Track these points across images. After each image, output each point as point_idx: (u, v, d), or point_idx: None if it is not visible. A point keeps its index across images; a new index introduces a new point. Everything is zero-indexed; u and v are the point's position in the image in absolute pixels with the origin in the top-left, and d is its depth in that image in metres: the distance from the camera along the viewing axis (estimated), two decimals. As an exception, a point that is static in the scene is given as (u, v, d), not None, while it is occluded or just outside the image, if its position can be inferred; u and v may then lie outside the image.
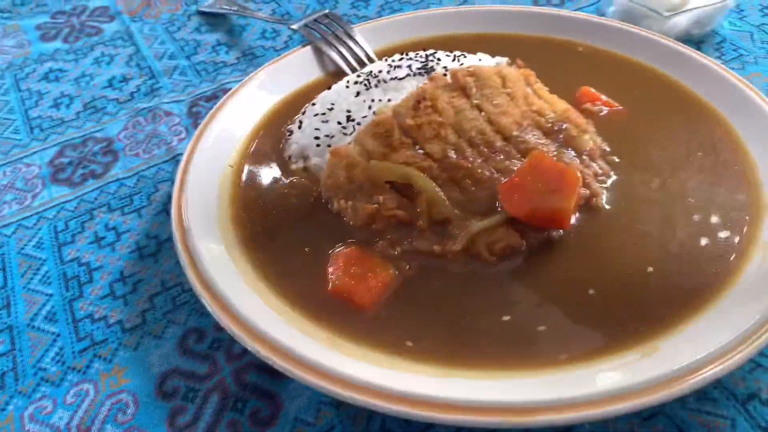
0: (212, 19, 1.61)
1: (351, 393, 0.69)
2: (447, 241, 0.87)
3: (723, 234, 0.86)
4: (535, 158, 0.87)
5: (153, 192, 1.12)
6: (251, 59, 1.45)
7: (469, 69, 1.03)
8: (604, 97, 1.10)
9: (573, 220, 0.88)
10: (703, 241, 0.86)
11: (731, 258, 0.83)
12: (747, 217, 0.88)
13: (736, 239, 0.85)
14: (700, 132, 1.03)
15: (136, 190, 1.13)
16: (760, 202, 0.89)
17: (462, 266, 0.85)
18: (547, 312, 0.79)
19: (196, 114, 1.28)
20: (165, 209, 1.08)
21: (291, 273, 0.87)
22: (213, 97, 1.32)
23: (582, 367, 0.73)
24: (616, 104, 1.09)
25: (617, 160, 0.99)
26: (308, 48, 1.26)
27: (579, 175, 0.85)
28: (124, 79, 1.42)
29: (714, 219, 0.88)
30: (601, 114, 1.08)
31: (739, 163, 0.96)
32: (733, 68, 1.17)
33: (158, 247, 1.02)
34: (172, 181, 1.10)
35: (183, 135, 1.23)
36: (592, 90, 1.11)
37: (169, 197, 1.07)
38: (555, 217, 0.84)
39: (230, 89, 1.17)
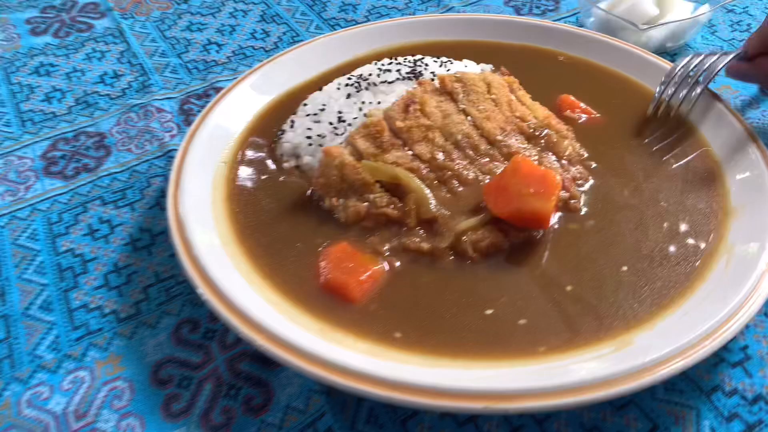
0: (203, 18, 1.63)
1: (340, 379, 0.73)
2: (434, 239, 0.91)
3: (692, 238, 0.92)
4: (517, 162, 0.91)
5: (146, 187, 1.15)
6: (242, 59, 1.48)
7: (456, 75, 1.07)
8: (583, 105, 1.15)
9: (553, 220, 0.93)
10: (674, 244, 0.91)
11: (699, 260, 0.89)
12: (714, 222, 0.93)
13: (703, 244, 0.91)
14: (672, 140, 1.08)
15: (128, 185, 1.15)
16: (726, 209, 0.95)
17: (448, 263, 0.90)
18: (528, 306, 0.84)
19: (188, 111, 1.31)
20: (158, 204, 1.10)
21: (284, 266, 0.90)
22: (204, 95, 1.35)
23: (559, 358, 0.77)
24: (594, 112, 1.14)
25: (594, 165, 1.04)
26: (300, 50, 1.29)
27: (559, 178, 0.90)
28: (116, 76, 1.44)
29: (684, 223, 0.94)
30: (580, 121, 1.13)
31: (708, 171, 1.02)
32: (704, 80, 1.23)
33: (152, 240, 1.05)
34: (165, 177, 1.13)
35: (174, 132, 1.26)
36: (572, 98, 1.16)
37: (162, 192, 1.11)
38: (536, 217, 0.88)
39: (221, 87, 1.19)
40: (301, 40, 1.48)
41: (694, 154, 1.05)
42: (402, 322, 0.83)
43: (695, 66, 1.13)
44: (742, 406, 0.80)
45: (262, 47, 1.52)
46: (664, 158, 1.05)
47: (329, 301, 0.86)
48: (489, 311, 0.84)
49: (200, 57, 1.50)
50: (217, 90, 1.35)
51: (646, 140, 1.09)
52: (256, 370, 0.85)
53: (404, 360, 0.78)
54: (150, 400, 0.83)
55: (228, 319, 0.79)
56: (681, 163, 1.04)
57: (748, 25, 1.53)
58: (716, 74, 1.10)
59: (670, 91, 1.12)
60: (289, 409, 0.82)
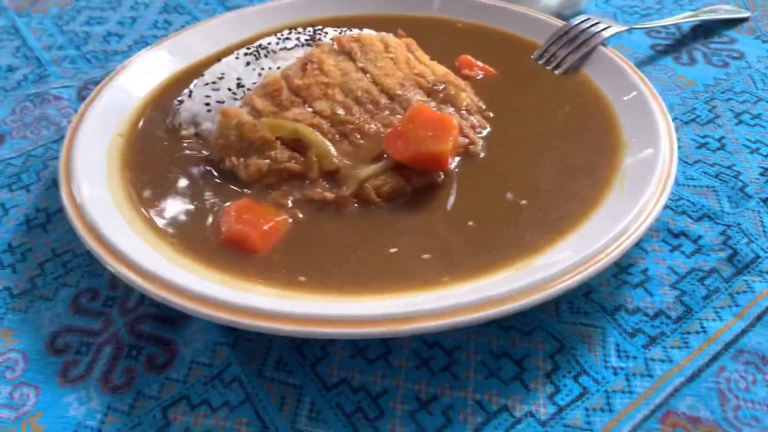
0: (102, 12, 1.60)
1: (246, 320, 0.71)
2: (338, 189, 0.91)
3: (586, 171, 0.94)
4: (415, 109, 0.93)
5: (42, 169, 1.10)
6: (143, 47, 1.44)
7: (353, 36, 1.08)
8: (480, 64, 1.18)
9: (453, 164, 0.94)
10: (570, 178, 0.94)
11: (593, 190, 0.91)
12: (608, 156, 0.97)
13: (597, 175, 0.93)
14: (566, 89, 1.12)
15: (23, 169, 1.11)
16: (619, 142, 0.98)
17: (352, 209, 0.90)
18: (431, 243, 0.85)
19: (86, 98, 1.27)
20: (54, 184, 1.06)
21: (184, 226, 0.88)
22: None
23: (462, 285, 0.78)
24: (492, 69, 1.17)
25: (492, 115, 1.06)
26: (198, 28, 1.28)
27: (455, 122, 0.92)
28: (11, 69, 1.39)
29: (578, 159, 0.97)
30: (478, 77, 1.15)
31: (600, 112, 1.06)
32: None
33: (48, 218, 1.00)
34: (62, 155, 1.09)
35: (72, 117, 1.21)
36: (470, 57, 1.18)
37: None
38: (434, 159, 0.89)
39: (121, 71, 1.16)
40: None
41: (588, 100, 1.09)
42: (306, 267, 0.82)
43: (587, 28, 1.18)
44: (645, 322, 0.83)
45: (164, 36, 1.49)
46: (558, 105, 1.08)
47: (232, 254, 0.84)
48: (393, 250, 0.84)
49: (100, 48, 1.46)
50: (118, 76, 1.31)
51: (543, 91, 1.13)
52: (158, 330, 0.83)
53: (309, 300, 0.77)
54: (46, 369, 0.79)
55: (125, 274, 0.76)
56: (575, 108, 1.08)
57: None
58: (605, 41, 1.15)
59: (560, 45, 1.17)
60: (194, 364, 0.79)
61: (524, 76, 1.16)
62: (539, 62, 1.19)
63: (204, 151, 1.01)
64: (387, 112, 1.00)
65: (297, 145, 0.95)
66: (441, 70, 1.10)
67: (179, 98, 1.09)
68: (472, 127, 1.01)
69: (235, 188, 0.94)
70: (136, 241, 0.84)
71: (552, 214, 0.88)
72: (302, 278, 0.80)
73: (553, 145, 1.00)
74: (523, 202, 0.90)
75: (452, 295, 0.76)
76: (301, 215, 0.89)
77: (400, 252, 0.83)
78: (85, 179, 0.91)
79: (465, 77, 1.14)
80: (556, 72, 1.16)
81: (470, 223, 0.87)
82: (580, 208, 0.89)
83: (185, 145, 1.02)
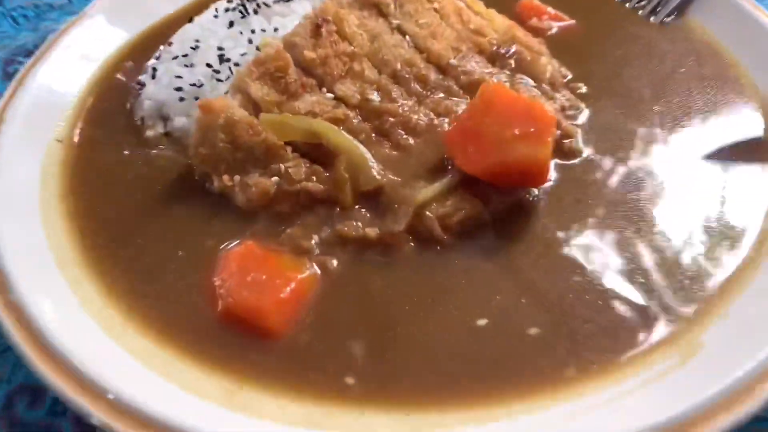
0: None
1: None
2: (384, 220, 0.63)
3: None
4: (489, 91, 0.64)
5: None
6: (86, 3, 1.10)
7: (382, -21, 0.76)
8: (551, 10, 0.89)
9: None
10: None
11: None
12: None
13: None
14: (672, 43, 0.82)
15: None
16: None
17: (408, 252, 0.63)
18: (537, 304, 0.57)
19: (14, 75, 0.94)
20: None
21: (159, 293, 0.62)
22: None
23: (599, 386, 0.50)
24: (567, 18, 0.88)
25: (584, 88, 0.77)
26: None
27: (551, 109, 0.62)
28: None
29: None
30: (552, 32, 0.86)
31: (731, 70, 0.77)
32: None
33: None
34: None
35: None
36: (536, 1, 0.87)
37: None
38: (529, 170, 0.63)
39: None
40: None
41: (707, 55, 0.80)
42: (352, 358, 0.54)
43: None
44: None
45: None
46: (669, 67, 0.79)
47: (236, 340, 0.56)
48: (481, 321, 0.56)
49: (29, 2, 1.12)
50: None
51: (642, 47, 0.83)
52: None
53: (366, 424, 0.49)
54: None
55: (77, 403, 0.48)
56: (691, 70, 0.79)
57: None
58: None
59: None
60: None
61: (613, 27, 0.89)
62: (627, 5, 0.88)
63: (180, 161, 0.71)
64: (440, 94, 0.71)
65: (317, 151, 0.68)
66: (503, 22, 0.81)
67: (139, 79, 0.78)
68: (563, 109, 0.72)
69: (232, 220, 0.65)
70: (84, 322, 0.57)
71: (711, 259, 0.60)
72: (350, 380, 0.52)
73: (681, 126, 0.71)
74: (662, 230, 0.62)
75: (596, 411, 0.48)
76: (334, 263, 0.61)
77: (492, 325, 0.55)
78: (10, 227, 0.63)
79: (533, 30, 0.85)
80: (652, 20, 0.85)
81: (587, 267, 0.59)
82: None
83: (152, 152, 0.72)
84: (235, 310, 0.57)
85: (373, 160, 0.66)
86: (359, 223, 0.64)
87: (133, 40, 0.89)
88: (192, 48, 0.77)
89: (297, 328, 0.57)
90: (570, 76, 0.79)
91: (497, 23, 0.81)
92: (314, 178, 0.66)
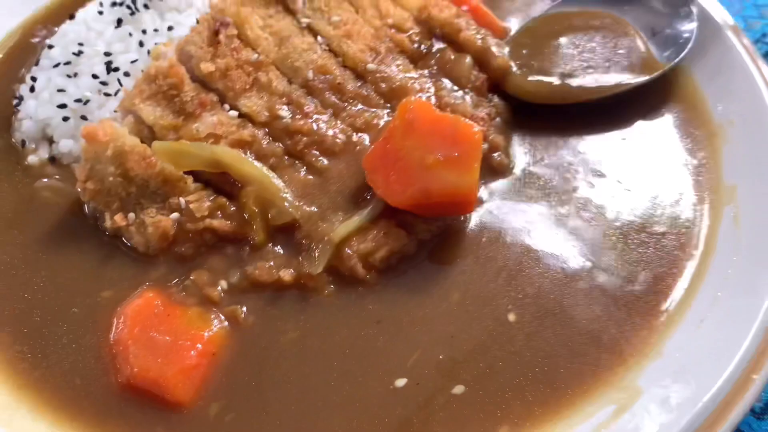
0: None
1: None
2: (300, 260, 0.56)
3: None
4: (409, 111, 0.56)
5: None
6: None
7: (289, -32, 0.67)
8: None
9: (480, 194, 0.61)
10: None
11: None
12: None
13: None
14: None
15: None
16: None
17: (329, 295, 0.56)
18: (461, 357, 0.52)
19: None
20: None
21: (50, 360, 0.55)
22: None
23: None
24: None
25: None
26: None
27: (478, 129, 0.56)
28: None
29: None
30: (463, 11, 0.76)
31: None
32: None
33: None
34: None
35: None
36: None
37: None
38: (455, 200, 0.57)
39: None
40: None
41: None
42: (265, 429, 0.49)
43: None
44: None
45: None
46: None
47: (140, 414, 0.51)
48: (400, 382, 0.52)
49: None
50: None
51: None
52: None
53: None
54: None
55: None
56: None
57: None
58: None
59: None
60: None
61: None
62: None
63: (68, 193, 0.62)
64: (359, 104, 0.64)
65: (222, 179, 0.61)
66: (414, 3, 0.73)
67: (17, 92, 0.68)
68: (489, 117, 0.66)
69: (129, 266, 0.58)
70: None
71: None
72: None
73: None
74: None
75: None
76: (244, 311, 0.55)
77: (411, 385, 0.51)
78: None
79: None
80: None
81: (517, 309, 0.55)
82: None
83: (35, 185, 0.63)
84: (137, 382, 0.51)
85: (287, 190, 0.59)
86: (272, 263, 0.56)
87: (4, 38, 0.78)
88: (75, 54, 0.67)
89: (206, 397, 0.51)
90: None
91: (411, 4, 0.72)
92: (219, 213, 0.58)
